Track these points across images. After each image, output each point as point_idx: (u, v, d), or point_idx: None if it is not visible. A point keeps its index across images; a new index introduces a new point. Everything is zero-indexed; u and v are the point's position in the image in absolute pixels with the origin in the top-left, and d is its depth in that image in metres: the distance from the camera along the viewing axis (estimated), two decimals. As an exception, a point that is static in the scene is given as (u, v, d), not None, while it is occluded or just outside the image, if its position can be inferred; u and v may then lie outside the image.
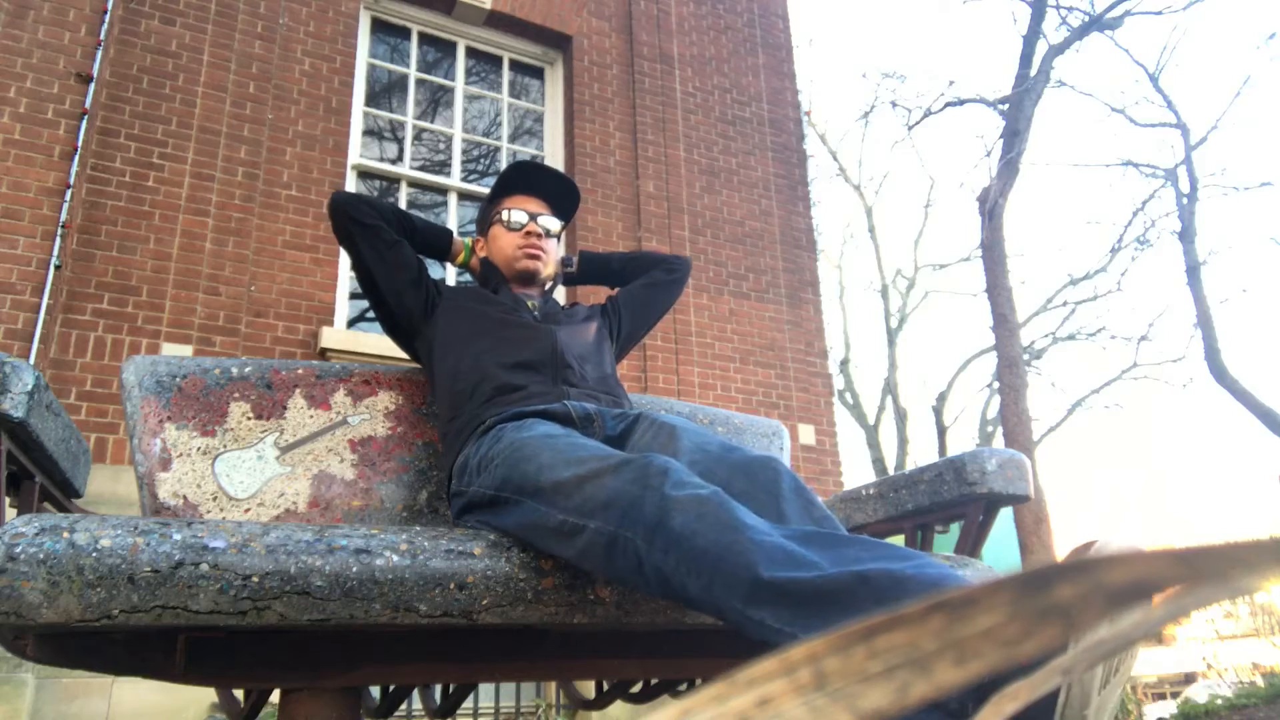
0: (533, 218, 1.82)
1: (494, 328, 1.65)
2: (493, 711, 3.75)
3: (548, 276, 1.85)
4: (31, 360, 3.91)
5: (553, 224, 1.85)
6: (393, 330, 1.76)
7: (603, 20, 6.03)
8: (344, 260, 4.78)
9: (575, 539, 1.09)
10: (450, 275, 4.91)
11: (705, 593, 0.96)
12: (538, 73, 6.00)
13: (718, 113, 6.20)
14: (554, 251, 1.86)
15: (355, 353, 4.45)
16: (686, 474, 1.05)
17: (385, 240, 1.70)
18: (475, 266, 1.86)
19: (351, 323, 4.89)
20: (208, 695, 3.25)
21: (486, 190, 2.04)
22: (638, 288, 1.96)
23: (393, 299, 1.70)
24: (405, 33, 5.58)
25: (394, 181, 5.23)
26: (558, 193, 1.88)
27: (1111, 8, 7.85)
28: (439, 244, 1.83)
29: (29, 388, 1.10)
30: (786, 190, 6.26)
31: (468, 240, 1.87)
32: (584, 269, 1.97)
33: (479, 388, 1.54)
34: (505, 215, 1.82)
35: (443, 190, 5.36)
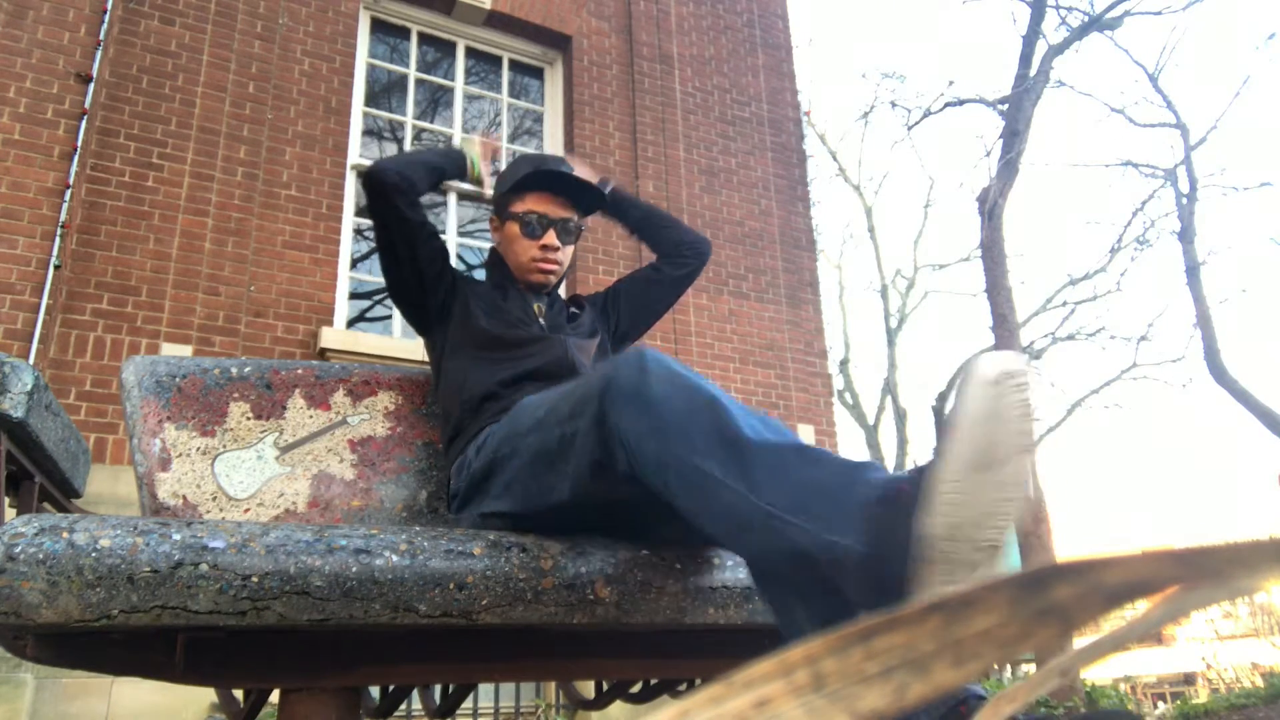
0: (553, 225, 1.74)
1: (502, 345, 1.62)
2: (493, 711, 3.75)
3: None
4: (31, 360, 3.91)
5: (572, 227, 1.78)
6: (408, 311, 1.74)
7: (602, 20, 6.03)
8: (344, 260, 4.78)
9: (572, 448, 1.15)
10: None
11: (660, 451, 1.01)
12: (537, 73, 6.00)
13: (717, 113, 6.20)
14: (568, 257, 1.81)
15: (355, 353, 4.45)
16: (672, 362, 1.09)
17: (422, 235, 1.67)
18: (481, 179, 1.84)
19: (351, 323, 4.89)
20: (207, 695, 3.25)
21: (486, 191, 1.95)
22: (641, 282, 1.92)
23: (415, 293, 1.69)
24: (405, 33, 5.58)
25: (394, 181, 5.23)
26: (582, 191, 1.79)
27: (1111, 8, 7.85)
28: (455, 174, 1.79)
29: (28, 388, 1.10)
30: (786, 190, 6.26)
31: (473, 156, 1.83)
32: (611, 206, 1.90)
33: (484, 405, 1.54)
34: (524, 217, 1.74)
35: (442, 190, 5.36)
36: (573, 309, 1.85)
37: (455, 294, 1.71)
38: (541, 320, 1.72)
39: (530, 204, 1.74)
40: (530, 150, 5.80)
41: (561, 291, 2.00)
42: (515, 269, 1.77)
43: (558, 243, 1.75)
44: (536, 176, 1.75)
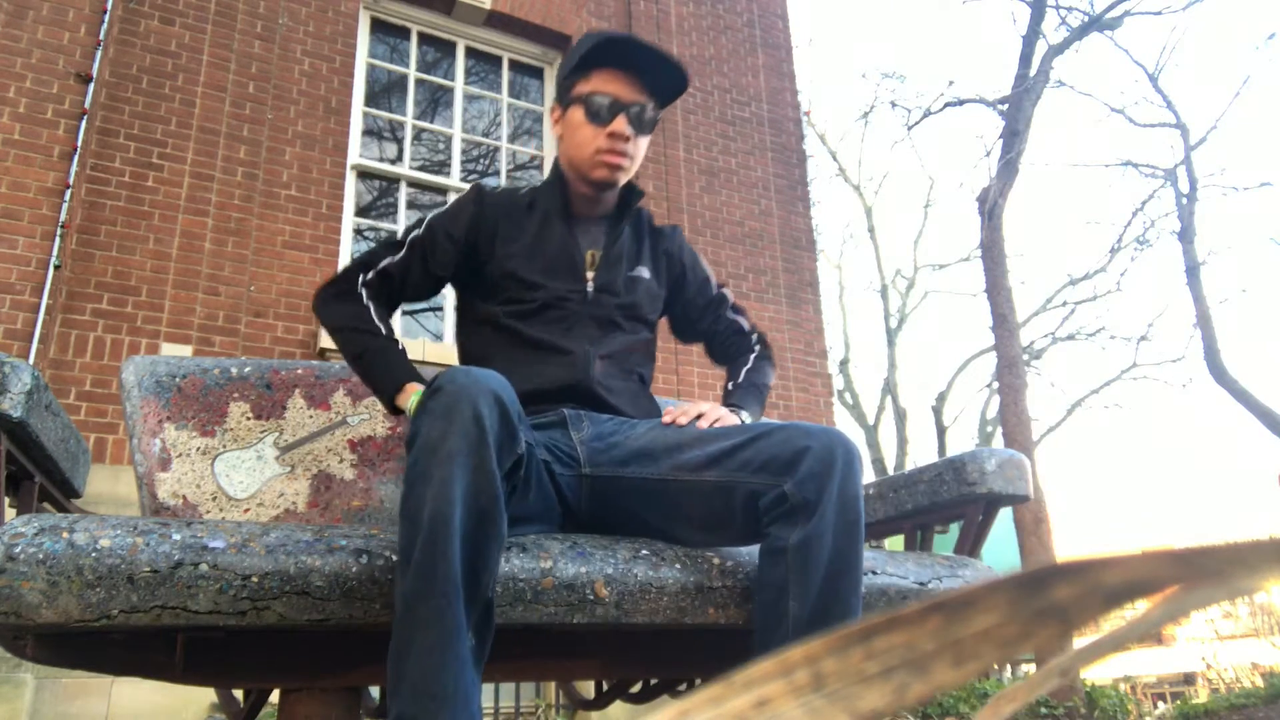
0: (624, 110, 1.48)
1: (520, 343, 1.47)
2: (493, 711, 3.75)
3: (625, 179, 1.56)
4: (31, 360, 3.91)
5: (648, 116, 1.51)
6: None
7: (602, 20, 6.02)
8: (344, 260, 4.78)
9: None
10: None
11: None
12: (537, 73, 6.00)
13: (717, 113, 6.20)
14: (641, 152, 1.54)
15: (355, 353, 4.44)
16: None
17: (406, 294, 1.52)
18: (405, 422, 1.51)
19: (351, 323, 4.89)
20: (207, 695, 3.25)
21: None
22: (699, 311, 1.71)
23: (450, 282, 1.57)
24: (405, 33, 5.58)
25: (394, 181, 5.23)
26: (658, 71, 1.51)
27: (1111, 8, 7.85)
28: (379, 387, 1.42)
29: (28, 388, 1.10)
30: (786, 190, 6.26)
31: (413, 400, 1.35)
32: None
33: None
34: (589, 100, 1.49)
35: (442, 190, 5.36)
36: (640, 268, 1.59)
37: (476, 250, 1.52)
38: (590, 277, 1.52)
39: (597, 83, 1.49)
40: (530, 150, 5.81)
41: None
42: (577, 165, 1.53)
43: (628, 130, 1.48)
44: (607, 48, 1.49)
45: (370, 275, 1.48)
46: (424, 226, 1.53)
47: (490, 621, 1.04)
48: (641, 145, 1.53)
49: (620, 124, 1.48)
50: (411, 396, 1.35)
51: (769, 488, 1.21)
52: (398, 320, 4.99)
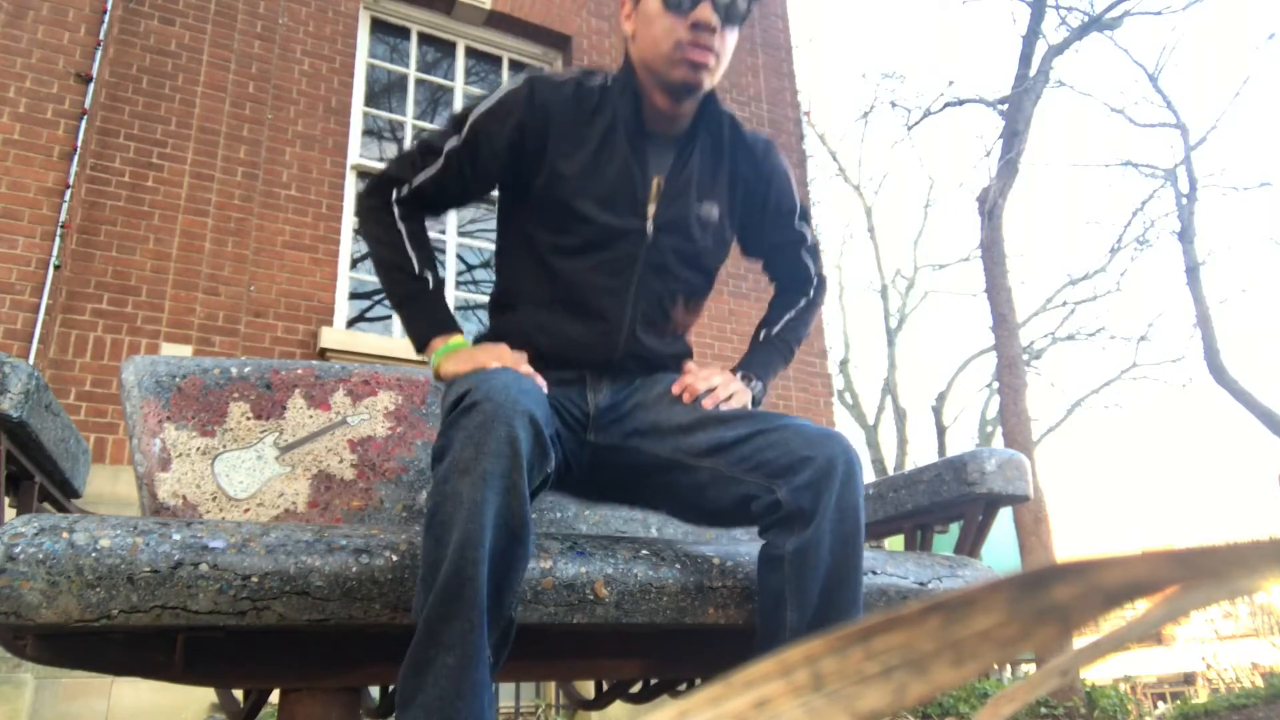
0: None
1: (555, 290, 1.35)
2: (492, 711, 3.75)
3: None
4: (31, 360, 3.91)
5: (738, 8, 1.28)
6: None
7: (602, 20, 6.02)
8: (344, 260, 4.78)
9: None
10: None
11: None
12: (537, 73, 6.00)
13: (717, 113, 6.20)
14: (729, 49, 1.31)
15: (355, 353, 4.44)
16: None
17: (447, 199, 1.40)
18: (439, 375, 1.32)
19: (351, 323, 4.89)
20: (207, 695, 3.25)
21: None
22: (768, 258, 1.57)
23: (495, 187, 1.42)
24: (405, 33, 5.58)
25: (394, 181, 5.23)
26: None
27: (1111, 8, 7.85)
28: (414, 343, 1.35)
29: (28, 388, 1.10)
30: (786, 190, 6.25)
31: (447, 346, 1.30)
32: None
33: (516, 341, 1.35)
34: None
35: (442, 190, 5.36)
36: (710, 204, 1.39)
37: (524, 164, 1.35)
38: (652, 213, 1.34)
39: None
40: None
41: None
42: (652, 64, 1.30)
43: (715, 20, 1.26)
44: None
45: (405, 193, 1.36)
46: (464, 131, 1.34)
47: (509, 639, 1.04)
48: (729, 41, 1.30)
49: (705, 11, 1.25)
50: (434, 355, 1.29)
51: (764, 490, 1.19)
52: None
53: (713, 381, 1.36)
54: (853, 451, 1.21)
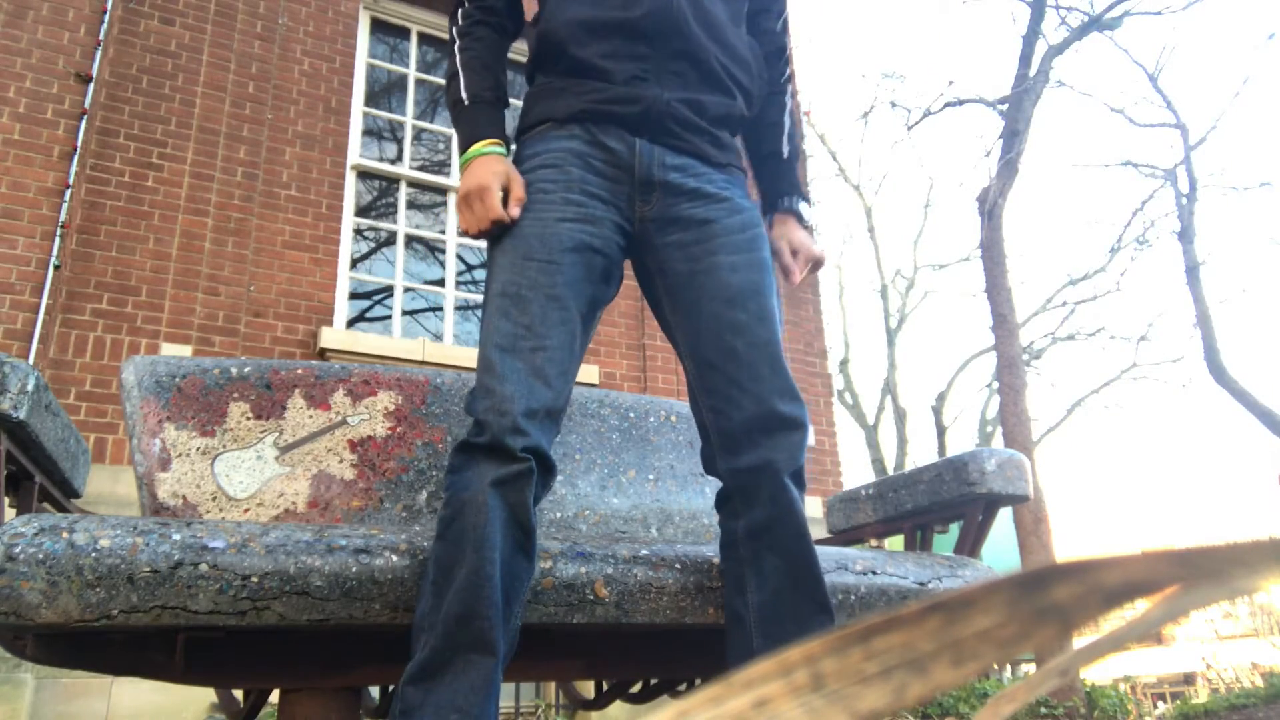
0: None
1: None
2: (492, 711, 3.75)
3: None
4: (31, 360, 3.91)
5: None
6: None
7: (602, 20, 6.03)
8: (344, 260, 4.78)
9: None
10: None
11: None
12: (537, 73, 6.00)
13: (717, 113, 6.20)
14: None
15: (355, 353, 4.44)
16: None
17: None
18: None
19: (351, 323, 4.89)
20: (207, 695, 3.25)
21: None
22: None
23: None
24: (405, 33, 5.58)
25: (393, 181, 5.23)
26: None
27: (1111, 8, 7.85)
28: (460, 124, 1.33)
29: (28, 388, 1.10)
30: (786, 190, 6.25)
31: (464, 156, 1.30)
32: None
33: (550, 59, 1.30)
34: None
35: (442, 190, 5.36)
36: None
37: None
38: None
39: None
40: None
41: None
42: None
43: None
44: None
45: (468, 6, 1.39)
46: None
47: (514, 647, 1.07)
48: None
49: None
50: (460, 158, 1.30)
51: (713, 455, 1.24)
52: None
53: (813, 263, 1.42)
54: (800, 466, 1.24)
